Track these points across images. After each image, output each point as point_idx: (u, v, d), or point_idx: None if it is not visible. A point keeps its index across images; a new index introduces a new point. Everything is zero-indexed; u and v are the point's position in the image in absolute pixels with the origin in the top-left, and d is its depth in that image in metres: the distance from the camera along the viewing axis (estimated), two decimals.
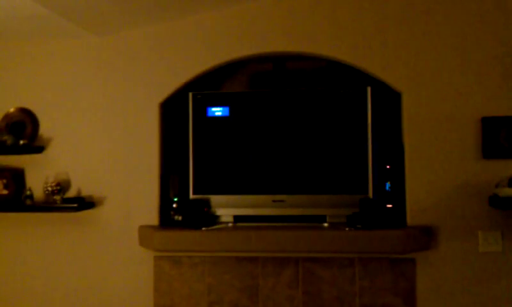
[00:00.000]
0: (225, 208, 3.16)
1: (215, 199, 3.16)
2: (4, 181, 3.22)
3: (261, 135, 3.17)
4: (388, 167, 3.06)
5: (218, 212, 3.17)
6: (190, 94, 3.18)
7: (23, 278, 3.28)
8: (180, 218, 3.14)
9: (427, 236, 2.91)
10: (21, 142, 3.18)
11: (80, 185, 3.24)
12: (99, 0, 2.77)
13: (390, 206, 3.03)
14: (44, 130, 3.28)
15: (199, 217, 3.06)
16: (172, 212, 3.17)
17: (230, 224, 3.13)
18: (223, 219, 3.17)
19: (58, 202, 3.11)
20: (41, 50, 3.32)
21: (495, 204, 2.77)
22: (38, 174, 3.23)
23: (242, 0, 3.07)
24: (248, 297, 3.08)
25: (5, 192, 3.21)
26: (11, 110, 3.28)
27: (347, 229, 2.91)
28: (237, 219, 3.16)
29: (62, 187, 3.14)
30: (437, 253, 2.94)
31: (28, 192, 3.17)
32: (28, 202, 3.16)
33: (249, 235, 2.94)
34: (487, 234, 2.91)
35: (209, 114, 3.18)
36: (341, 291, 3.01)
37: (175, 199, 3.17)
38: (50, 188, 3.11)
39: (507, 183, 2.72)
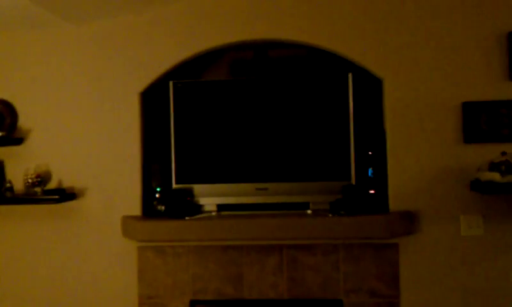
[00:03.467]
0: (208, 197, 3.15)
1: (198, 188, 3.14)
2: None
3: (243, 123, 3.15)
4: (370, 153, 3.07)
5: (201, 201, 3.16)
6: (170, 83, 3.15)
7: (4, 270, 3.24)
8: (163, 208, 3.12)
9: (409, 221, 2.94)
10: None
11: (61, 177, 3.21)
12: None
13: (372, 192, 3.05)
14: (23, 121, 3.23)
15: (182, 206, 3.05)
16: (155, 202, 3.15)
17: (214, 213, 3.12)
18: (207, 208, 3.16)
19: (39, 194, 3.07)
20: (17, 40, 3.26)
21: (476, 188, 2.79)
22: (18, 166, 3.18)
23: None
24: (232, 285, 3.08)
25: None
26: None
27: (330, 215, 2.92)
28: (220, 207, 3.15)
29: (42, 178, 3.09)
30: (420, 238, 2.97)
31: (8, 185, 3.13)
32: (8, 194, 3.12)
33: (232, 223, 2.94)
34: (469, 218, 2.93)
35: (190, 102, 3.16)
36: (325, 277, 3.03)
37: (158, 189, 3.15)
38: (30, 180, 3.07)
39: (488, 167, 2.74)
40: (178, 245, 3.11)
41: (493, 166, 2.71)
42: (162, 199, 3.14)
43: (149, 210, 3.16)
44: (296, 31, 3.07)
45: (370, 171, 3.07)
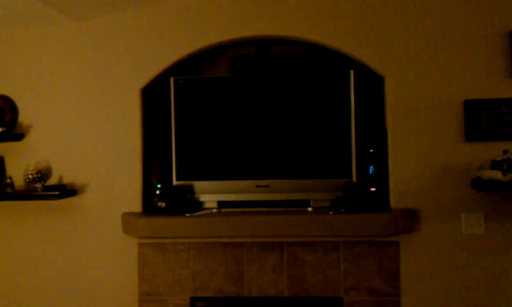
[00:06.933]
0: (209, 194, 3.15)
1: (198, 185, 3.14)
2: None
3: (244, 120, 3.15)
4: (371, 151, 3.06)
5: (202, 198, 3.15)
6: (171, 79, 3.14)
7: (4, 266, 3.24)
8: (163, 205, 3.12)
9: (410, 219, 2.93)
10: (0, 129, 3.13)
11: (61, 173, 3.20)
12: None
13: (373, 189, 3.04)
14: (23, 117, 3.23)
15: (182, 203, 3.05)
16: (155, 199, 3.14)
17: (214, 210, 3.12)
18: (207, 205, 3.16)
19: (39, 190, 3.06)
20: (18, 35, 3.25)
21: (477, 186, 2.79)
22: (19, 162, 3.18)
23: None
24: (233, 282, 3.08)
25: None
26: None
27: (331, 213, 2.91)
28: (221, 204, 3.15)
29: (43, 174, 3.10)
30: (420, 236, 2.96)
31: (8, 180, 3.13)
32: (8, 190, 3.11)
33: (233, 220, 2.93)
34: (470, 216, 2.93)
35: (191, 99, 3.15)
36: (326, 275, 3.02)
37: (158, 186, 3.14)
38: (30, 176, 3.07)
39: (490, 165, 2.73)
40: (179, 242, 3.11)
41: (494, 164, 2.71)
42: (163, 196, 3.13)
43: (149, 207, 3.16)
44: (298, 27, 3.06)
45: (371, 169, 3.06)
